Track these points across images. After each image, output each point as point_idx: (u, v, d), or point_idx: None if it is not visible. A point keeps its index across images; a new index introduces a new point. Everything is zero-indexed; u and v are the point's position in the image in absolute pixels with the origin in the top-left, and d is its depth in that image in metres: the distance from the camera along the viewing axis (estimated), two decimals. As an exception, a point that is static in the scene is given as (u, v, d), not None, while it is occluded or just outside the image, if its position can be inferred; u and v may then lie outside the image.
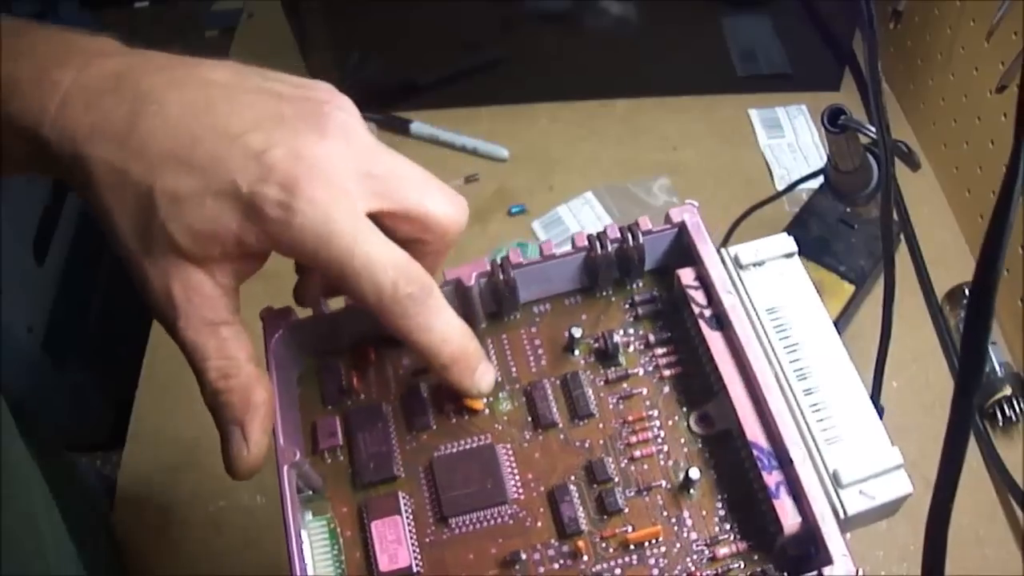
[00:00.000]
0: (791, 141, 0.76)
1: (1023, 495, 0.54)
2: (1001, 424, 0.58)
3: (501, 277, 0.34)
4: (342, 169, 0.29)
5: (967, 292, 0.62)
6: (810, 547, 0.29)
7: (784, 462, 0.30)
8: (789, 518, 0.29)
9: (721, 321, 0.33)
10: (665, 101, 0.79)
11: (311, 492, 0.33)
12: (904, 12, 0.73)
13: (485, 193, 0.73)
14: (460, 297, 0.34)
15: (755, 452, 0.30)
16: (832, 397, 0.31)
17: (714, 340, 0.33)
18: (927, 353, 0.61)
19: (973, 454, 0.57)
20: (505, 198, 0.73)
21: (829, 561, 0.28)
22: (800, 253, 0.34)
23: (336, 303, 0.34)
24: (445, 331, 0.31)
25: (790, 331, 0.33)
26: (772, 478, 0.30)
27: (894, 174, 0.50)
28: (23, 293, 0.68)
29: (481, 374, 0.33)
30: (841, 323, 0.61)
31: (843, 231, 0.63)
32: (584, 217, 0.71)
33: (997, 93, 0.61)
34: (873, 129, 0.51)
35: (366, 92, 0.59)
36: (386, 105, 0.79)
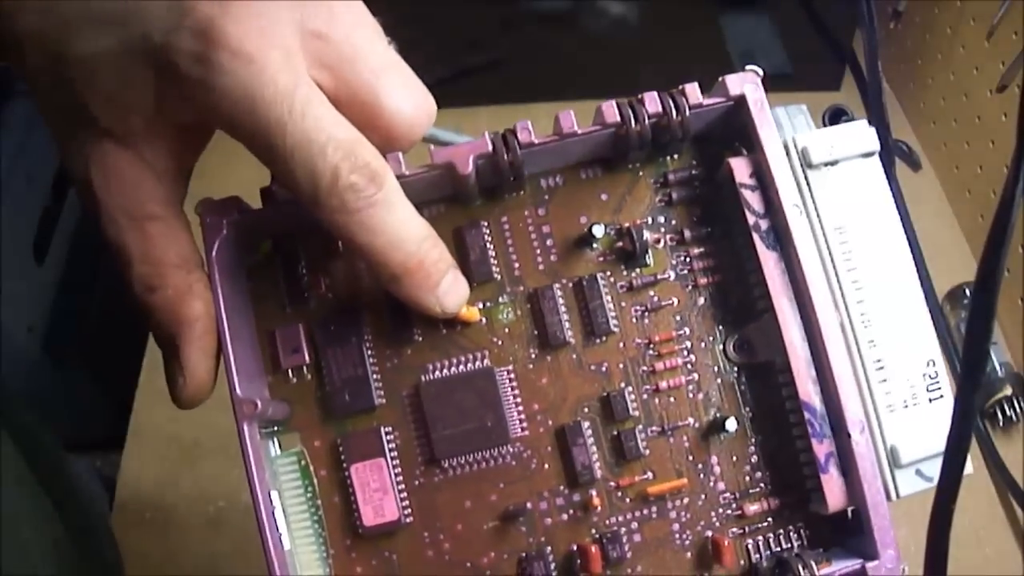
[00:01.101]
0: (791, 141, 0.76)
1: (1023, 495, 0.54)
2: (1001, 424, 0.58)
3: (506, 157, 0.28)
4: (283, 19, 0.23)
5: (967, 292, 0.62)
6: (849, 507, 0.26)
7: (838, 431, 0.26)
8: (836, 498, 0.26)
9: (781, 240, 0.27)
10: (665, 101, 0.79)
11: (276, 428, 0.28)
12: (904, 12, 0.73)
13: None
14: (452, 184, 0.28)
15: (806, 414, 0.26)
16: (900, 353, 0.26)
17: (769, 261, 0.27)
18: (927, 353, 0.60)
19: (973, 454, 0.57)
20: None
21: (874, 553, 0.25)
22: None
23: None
24: (396, 233, 0.25)
25: (859, 262, 0.26)
26: (822, 448, 0.26)
27: (894, 174, 0.50)
28: (23, 293, 0.68)
29: (446, 289, 0.26)
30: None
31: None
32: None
33: (997, 93, 0.61)
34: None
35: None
36: (386, 105, 0.79)
